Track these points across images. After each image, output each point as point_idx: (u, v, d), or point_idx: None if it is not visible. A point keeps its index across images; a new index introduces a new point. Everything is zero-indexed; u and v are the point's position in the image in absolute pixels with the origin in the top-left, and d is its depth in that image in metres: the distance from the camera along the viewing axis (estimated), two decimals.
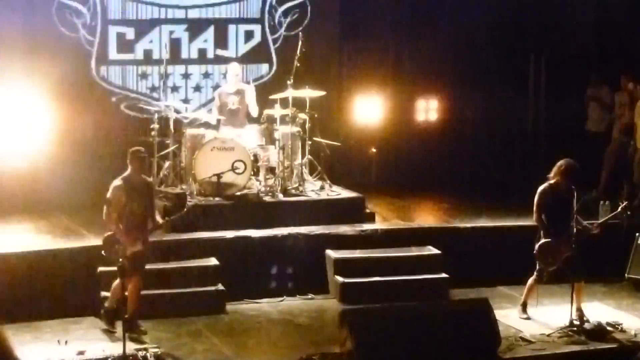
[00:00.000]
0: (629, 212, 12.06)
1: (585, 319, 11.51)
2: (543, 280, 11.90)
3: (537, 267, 11.75)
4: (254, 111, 14.16)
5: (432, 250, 13.01)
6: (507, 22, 16.35)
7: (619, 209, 11.99)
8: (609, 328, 11.39)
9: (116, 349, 10.21)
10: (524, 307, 11.97)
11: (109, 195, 10.79)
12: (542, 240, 11.61)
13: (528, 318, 11.88)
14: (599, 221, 11.94)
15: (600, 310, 12.17)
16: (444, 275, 12.70)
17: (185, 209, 11.67)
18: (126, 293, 10.65)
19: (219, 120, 13.94)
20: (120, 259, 10.24)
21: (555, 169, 11.55)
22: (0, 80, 14.14)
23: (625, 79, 14.95)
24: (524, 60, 16.86)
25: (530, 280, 11.87)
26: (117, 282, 10.74)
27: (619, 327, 11.44)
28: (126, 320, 10.10)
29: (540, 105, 16.98)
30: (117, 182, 10.88)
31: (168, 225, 11.94)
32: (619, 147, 14.99)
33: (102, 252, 10.78)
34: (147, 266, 11.05)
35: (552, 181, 11.54)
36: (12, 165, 14.06)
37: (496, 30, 16.32)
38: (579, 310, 11.54)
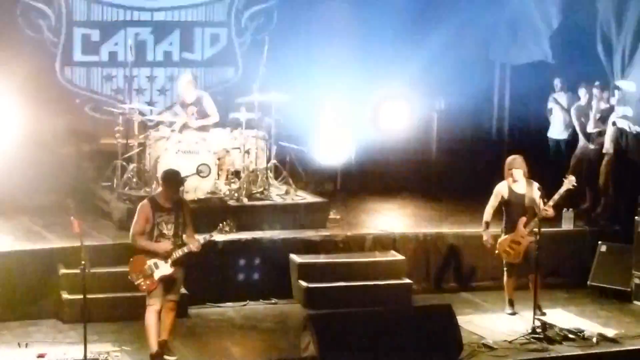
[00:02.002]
0: (574, 185, 12.09)
1: (543, 314, 11.78)
2: (512, 276, 12.22)
3: (504, 263, 12.15)
4: (215, 118, 14.03)
5: (396, 255, 13.02)
6: (471, 28, 16.38)
7: (564, 184, 12.03)
8: (570, 335, 11.43)
9: (77, 352, 10.15)
10: (509, 303, 12.28)
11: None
12: (501, 237, 12.04)
13: (513, 313, 12.20)
14: (550, 202, 11.88)
15: (562, 316, 12.22)
16: (407, 280, 12.71)
17: None
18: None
19: (183, 124, 13.86)
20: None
21: (505, 167, 12.09)
22: None
23: (587, 85, 15.01)
24: (489, 67, 16.93)
25: (505, 278, 12.25)
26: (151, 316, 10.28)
27: (581, 334, 11.48)
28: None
29: (504, 110, 17.05)
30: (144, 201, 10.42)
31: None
32: (582, 153, 15.02)
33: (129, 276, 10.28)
34: (108, 269, 10.96)
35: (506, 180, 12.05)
36: None
37: (460, 36, 16.36)
38: (539, 307, 11.77)
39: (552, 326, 11.53)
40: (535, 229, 11.66)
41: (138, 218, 10.24)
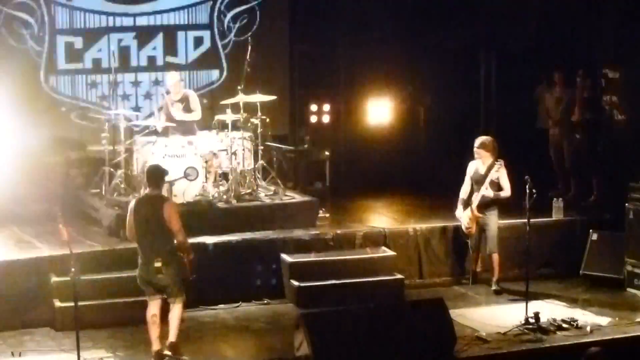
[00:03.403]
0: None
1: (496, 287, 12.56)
2: (472, 251, 12.87)
3: None
4: (198, 115, 14.03)
5: (386, 251, 13.02)
6: (456, 17, 16.40)
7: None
8: (564, 324, 11.44)
9: (71, 359, 10.14)
10: (495, 281, 12.78)
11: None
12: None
13: (498, 291, 12.70)
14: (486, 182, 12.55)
15: (555, 306, 12.24)
16: (398, 276, 12.72)
17: None
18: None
19: (168, 128, 13.85)
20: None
21: None
22: None
23: (559, 73, 15.00)
24: (474, 56, 16.95)
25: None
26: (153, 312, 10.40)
27: (575, 324, 11.49)
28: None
29: (492, 102, 17.06)
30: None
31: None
32: (569, 143, 15.05)
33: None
34: (99, 276, 10.97)
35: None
36: None
37: (446, 28, 16.37)
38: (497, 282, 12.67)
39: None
40: (478, 209, 12.54)
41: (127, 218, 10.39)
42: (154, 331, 10.35)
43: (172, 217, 10.19)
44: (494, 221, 12.70)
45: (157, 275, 10.22)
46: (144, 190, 10.93)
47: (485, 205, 12.63)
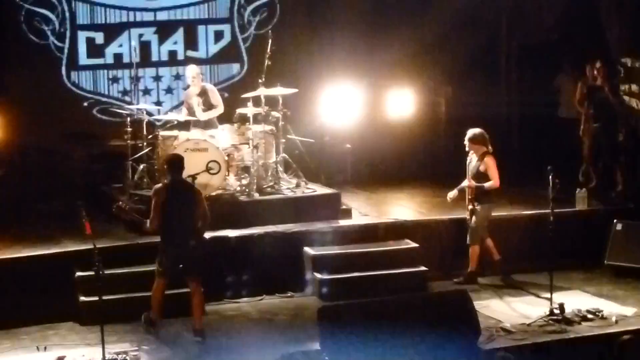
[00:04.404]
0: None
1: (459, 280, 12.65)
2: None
3: None
4: (220, 109, 14.05)
5: (409, 243, 12.99)
6: (477, 7, 16.34)
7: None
8: (589, 315, 11.41)
9: (96, 353, 10.20)
10: (467, 273, 12.84)
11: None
12: None
13: (460, 283, 12.68)
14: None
15: (580, 297, 12.21)
16: (422, 268, 12.69)
17: None
18: None
19: (190, 122, 13.87)
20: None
21: None
22: None
23: (592, 65, 14.92)
24: (496, 47, 16.88)
25: None
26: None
27: (600, 314, 11.45)
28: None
29: (513, 92, 17.00)
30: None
31: None
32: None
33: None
34: (117, 270, 11.11)
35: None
36: None
37: (467, 18, 16.32)
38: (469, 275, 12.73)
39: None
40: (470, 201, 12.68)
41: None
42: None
43: (202, 200, 10.92)
44: (482, 213, 12.65)
45: (193, 254, 10.72)
46: (167, 178, 11.04)
47: (475, 196, 12.64)
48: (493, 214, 12.88)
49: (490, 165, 12.56)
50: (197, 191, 11.08)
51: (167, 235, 10.81)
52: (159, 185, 11.12)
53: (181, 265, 10.77)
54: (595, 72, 14.63)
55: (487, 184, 12.54)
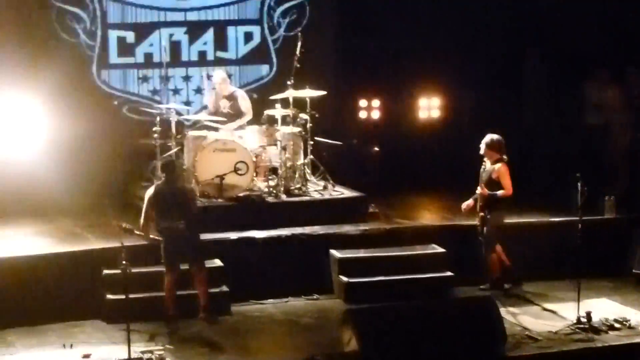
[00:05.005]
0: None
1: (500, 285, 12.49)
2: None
3: None
4: (249, 116, 14.10)
5: (436, 248, 12.96)
6: (504, 15, 16.29)
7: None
8: (616, 324, 11.34)
9: (121, 352, 10.21)
10: (490, 283, 12.71)
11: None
12: None
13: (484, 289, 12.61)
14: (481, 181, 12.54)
15: (607, 306, 12.12)
16: (448, 273, 12.65)
17: None
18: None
19: (218, 122, 13.90)
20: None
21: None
22: (1, 86, 14.09)
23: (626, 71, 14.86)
24: (522, 52, 16.82)
25: None
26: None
27: (627, 323, 11.38)
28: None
29: (539, 98, 16.92)
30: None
31: None
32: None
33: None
34: (143, 269, 11.20)
35: None
36: (15, 169, 14.02)
37: (494, 25, 16.27)
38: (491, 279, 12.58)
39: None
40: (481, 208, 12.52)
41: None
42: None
43: (194, 198, 11.67)
44: (493, 221, 12.44)
45: (190, 242, 11.25)
46: (163, 179, 11.60)
47: (487, 204, 12.44)
48: (507, 220, 12.74)
49: (503, 173, 12.37)
50: (189, 190, 11.73)
51: (163, 231, 11.20)
52: (151, 189, 11.44)
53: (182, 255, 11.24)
54: (630, 78, 14.60)
55: (499, 192, 12.35)
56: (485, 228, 12.50)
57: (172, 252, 11.20)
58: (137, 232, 11.09)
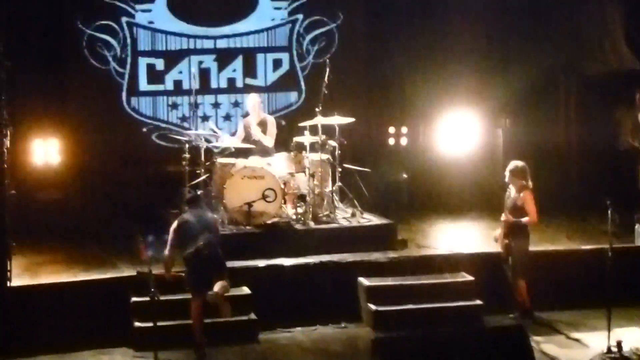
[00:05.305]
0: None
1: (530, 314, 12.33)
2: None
3: None
4: (269, 141, 14.11)
5: (465, 276, 12.89)
6: (537, 38, 16.25)
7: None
8: None
9: None
10: (521, 311, 12.55)
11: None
12: None
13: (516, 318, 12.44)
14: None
15: (638, 335, 11.98)
16: (477, 302, 12.57)
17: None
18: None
19: (247, 149, 13.93)
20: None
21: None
22: (32, 111, 14.19)
23: None
24: (554, 79, 16.76)
25: None
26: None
27: None
28: None
29: (572, 124, 16.85)
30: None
31: None
32: None
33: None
34: (172, 296, 11.13)
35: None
36: (45, 195, 14.09)
37: (525, 51, 16.24)
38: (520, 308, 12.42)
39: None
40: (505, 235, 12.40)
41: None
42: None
43: (218, 228, 11.79)
44: (518, 248, 12.36)
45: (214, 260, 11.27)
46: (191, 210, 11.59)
47: (511, 231, 12.36)
48: (531, 248, 12.67)
49: (528, 200, 12.32)
50: (214, 218, 11.81)
51: (187, 258, 11.18)
52: (176, 221, 11.48)
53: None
54: None
55: (524, 219, 12.29)
56: (510, 256, 12.43)
57: (197, 277, 11.16)
58: (158, 273, 10.86)
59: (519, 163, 12.53)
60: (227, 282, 11.16)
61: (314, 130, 13.75)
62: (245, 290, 12.16)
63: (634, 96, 15.20)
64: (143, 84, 15.61)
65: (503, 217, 12.38)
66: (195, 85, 14.77)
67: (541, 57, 16.38)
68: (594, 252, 13.02)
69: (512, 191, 12.49)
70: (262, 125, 14.16)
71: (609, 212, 11.44)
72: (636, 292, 13.15)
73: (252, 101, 14.31)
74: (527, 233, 12.43)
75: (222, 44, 15.90)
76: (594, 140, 16.16)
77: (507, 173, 12.52)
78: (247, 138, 14.15)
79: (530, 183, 12.42)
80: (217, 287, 10.98)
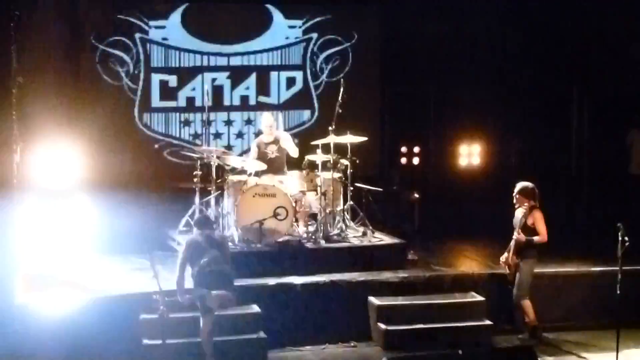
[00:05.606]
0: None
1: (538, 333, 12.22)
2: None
3: None
4: (295, 153, 14.12)
5: (475, 296, 12.87)
6: (548, 60, 16.26)
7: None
8: None
9: None
10: (528, 331, 12.50)
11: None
12: None
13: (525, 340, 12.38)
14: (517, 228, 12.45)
15: None
16: (487, 322, 12.55)
17: None
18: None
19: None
20: None
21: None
22: (45, 127, 14.22)
23: None
24: (567, 100, 16.77)
25: None
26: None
27: None
28: None
29: (584, 147, 16.85)
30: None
31: None
32: None
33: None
34: (179, 314, 11.14)
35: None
36: (54, 212, 14.10)
37: (538, 71, 16.25)
38: (528, 327, 12.38)
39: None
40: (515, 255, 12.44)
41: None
42: None
43: (228, 247, 11.67)
44: (527, 267, 12.41)
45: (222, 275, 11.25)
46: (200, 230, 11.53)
47: (521, 250, 12.40)
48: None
49: (538, 219, 12.38)
50: (222, 236, 11.93)
51: (195, 276, 11.16)
52: (184, 243, 11.52)
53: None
54: None
55: (536, 238, 12.33)
56: (517, 274, 12.44)
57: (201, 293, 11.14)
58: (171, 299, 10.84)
59: (528, 184, 12.56)
60: (230, 296, 11.14)
61: (326, 148, 13.75)
62: (255, 308, 12.14)
63: None
64: (155, 101, 15.68)
65: (515, 236, 12.36)
66: (208, 102, 14.78)
67: (555, 78, 16.39)
68: (604, 274, 13.02)
69: (519, 212, 12.49)
70: (276, 143, 14.17)
71: (619, 234, 11.42)
72: None
73: (266, 121, 14.29)
74: (535, 253, 12.44)
75: (235, 61, 15.97)
76: (606, 163, 16.14)
77: (515, 194, 12.55)
78: (262, 157, 14.14)
79: (537, 203, 12.42)
80: (214, 294, 11.00)
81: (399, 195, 15.97)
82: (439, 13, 16.34)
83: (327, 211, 13.64)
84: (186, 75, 15.77)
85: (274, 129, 14.21)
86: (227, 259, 11.29)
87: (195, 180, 13.84)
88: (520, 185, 12.61)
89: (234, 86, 15.96)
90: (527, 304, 12.41)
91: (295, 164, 14.18)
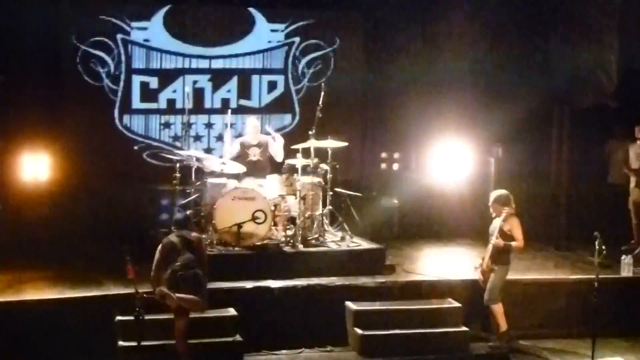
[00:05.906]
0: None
1: (507, 339, 12.25)
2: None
3: None
4: (280, 157, 14.15)
5: (452, 303, 12.88)
6: (530, 72, 16.32)
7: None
8: None
9: None
10: (497, 337, 12.46)
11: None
12: None
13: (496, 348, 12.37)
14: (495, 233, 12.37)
15: None
16: (464, 328, 12.57)
17: None
18: None
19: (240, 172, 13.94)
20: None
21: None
22: (24, 128, 14.19)
23: None
24: (547, 110, 16.82)
25: None
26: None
27: None
28: None
29: (563, 156, 16.88)
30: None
31: None
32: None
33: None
34: (157, 316, 11.11)
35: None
36: (32, 212, 14.06)
37: (519, 81, 16.30)
38: (498, 332, 12.31)
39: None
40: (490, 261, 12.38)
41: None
42: None
43: (204, 248, 11.50)
44: (500, 273, 12.37)
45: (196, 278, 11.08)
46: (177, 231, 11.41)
47: (496, 256, 12.37)
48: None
49: (515, 225, 12.35)
50: (199, 238, 11.45)
51: (170, 276, 11.01)
52: (161, 243, 11.32)
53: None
54: None
55: (513, 243, 12.31)
56: (490, 280, 12.41)
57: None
58: (148, 295, 10.79)
59: (502, 192, 12.59)
60: (197, 299, 11.00)
61: (306, 153, 13.76)
62: (232, 311, 12.12)
63: (626, 129, 15.26)
64: (136, 102, 15.63)
65: (493, 241, 12.35)
66: (189, 104, 14.78)
67: (535, 88, 16.43)
68: (581, 282, 13.08)
69: (498, 220, 12.48)
70: (260, 146, 14.18)
71: (597, 243, 11.47)
72: (620, 322, 13.19)
73: (252, 124, 14.32)
74: (509, 260, 12.45)
75: (217, 64, 15.95)
76: (584, 172, 16.19)
77: (491, 203, 12.53)
78: (243, 157, 14.15)
79: (512, 210, 12.42)
80: (177, 296, 10.92)
81: (378, 201, 15.96)
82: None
83: (306, 215, 13.65)
84: (167, 77, 15.73)
85: (258, 133, 14.24)
86: (202, 262, 11.20)
87: (174, 182, 13.82)
88: (494, 194, 12.62)
89: (215, 89, 15.93)
90: (497, 309, 12.41)
91: (275, 168, 14.18)
